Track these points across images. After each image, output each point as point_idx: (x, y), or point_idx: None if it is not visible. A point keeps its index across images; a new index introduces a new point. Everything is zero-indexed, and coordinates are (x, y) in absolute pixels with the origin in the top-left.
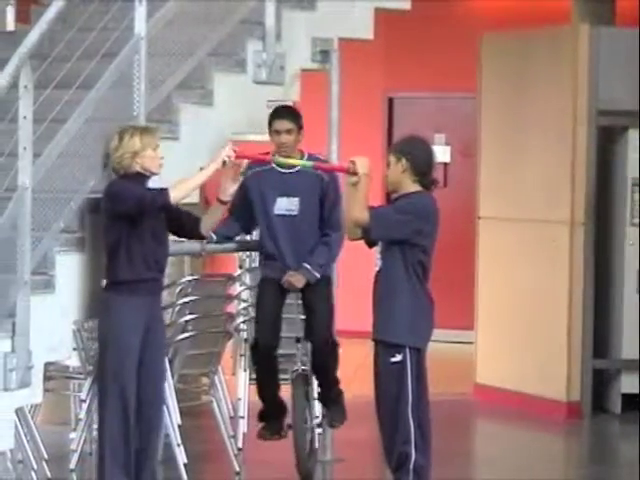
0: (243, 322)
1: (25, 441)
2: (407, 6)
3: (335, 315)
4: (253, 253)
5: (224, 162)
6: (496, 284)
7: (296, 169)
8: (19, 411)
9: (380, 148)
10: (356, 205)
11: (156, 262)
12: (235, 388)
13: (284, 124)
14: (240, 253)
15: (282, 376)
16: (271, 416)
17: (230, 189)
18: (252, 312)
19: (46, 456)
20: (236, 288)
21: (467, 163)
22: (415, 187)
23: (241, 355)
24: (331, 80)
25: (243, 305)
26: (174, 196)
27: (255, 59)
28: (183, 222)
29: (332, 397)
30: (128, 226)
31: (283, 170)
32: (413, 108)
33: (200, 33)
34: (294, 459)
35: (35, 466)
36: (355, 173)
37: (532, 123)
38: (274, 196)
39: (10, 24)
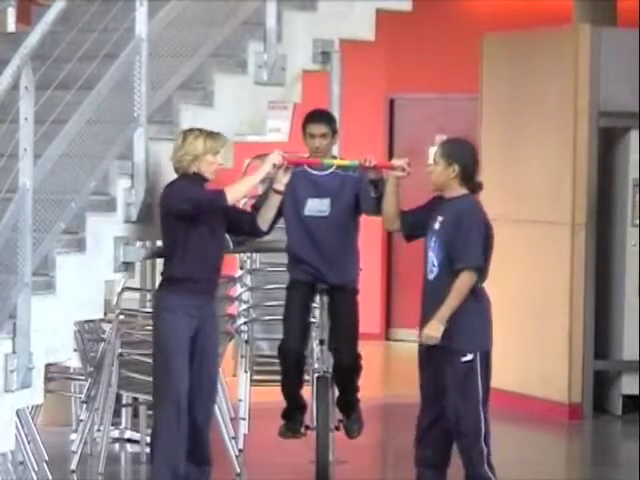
0: (244, 323)
1: (26, 442)
2: (408, 7)
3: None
4: (254, 254)
5: (274, 165)
6: (497, 285)
7: (330, 170)
8: (20, 412)
9: (381, 149)
10: (461, 294)
11: (211, 262)
12: (236, 389)
13: (319, 128)
14: (241, 254)
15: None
16: (293, 415)
17: (284, 179)
18: (253, 313)
19: (47, 457)
20: (237, 289)
21: None
22: (462, 190)
23: (242, 356)
24: (332, 81)
25: (244, 306)
26: (230, 198)
27: (256, 60)
28: (241, 221)
29: (351, 404)
30: (186, 226)
31: (315, 171)
32: (414, 109)
33: (201, 34)
34: (315, 461)
35: (36, 467)
36: (403, 169)
37: (533, 124)
38: (305, 197)
39: (11, 25)
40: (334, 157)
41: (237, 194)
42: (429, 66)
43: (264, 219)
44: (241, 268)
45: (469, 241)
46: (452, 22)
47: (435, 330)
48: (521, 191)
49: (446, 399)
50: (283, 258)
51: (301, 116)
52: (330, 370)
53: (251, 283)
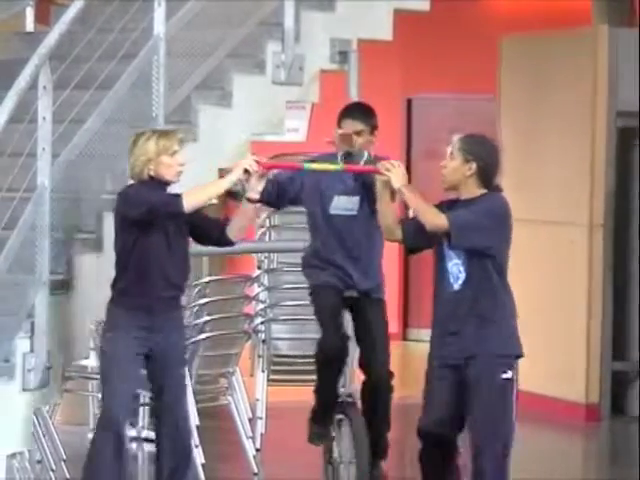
0: (261, 323)
1: (43, 441)
2: (426, 7)
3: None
4: (272, 254)
5: (246, 171)
6: (515, 286)
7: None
8: (37, 411)
9: (399, 149)
10: (428, 209)
11: (166, 275)
12: (253, 389)
13: (354, 125)
14: (259, 254)
15: (304, 377)
16: (324, 417)
17: (258, 186)
18: (270, 313)
19: (64, 456)
20: (254, 289)
21: None
22: (481, 191)
23: (259, 356)
24: (350, 81)
25: (261, 306)
26: (188, 203)
27: (274, 60)
28: (208, 229)
29: (380, 444)
30: (139, 233)
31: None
32: (432, 109)
33: (219, 34)
34: None
35: (54, 466)
36: (388, 170)
37: (551, 124)
38: (332, 194)
39: (29, 25)
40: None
41: (196, 200)
42: (446, 66)
43: (235, 229)
44: (259, 268)
45: (468, 215)
46: (470, 22)
47: (402, 178)
48: (539, 192)
49: (470, 424)
50: (300, 258)
51: (319, 116)
52: (352, 395)
53: (268, 283)
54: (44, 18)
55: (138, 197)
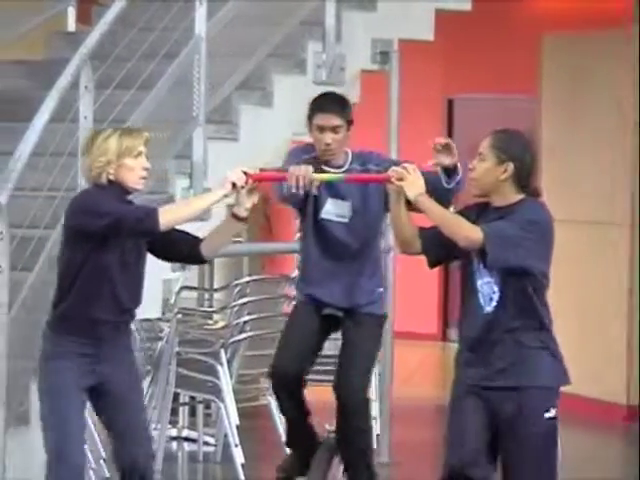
0: None
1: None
2: (467, 7)
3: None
4: None
5: (234, 186)
6: (554, 286)
7: (348, 165)
8: None
9: None
10: (457, 221)
11: (121, 301)
12: None
13: (330, 119)
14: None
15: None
16: (296, 461)
17: (247, 203)
18: None
19: (104, 455)
20: (294, 289)
21: None
22: (518, 196)
23: None
24: (391, 81)
25: None
26: (165, 221)
27: (315, 60)
28: (175, 244)
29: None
30: (91, 249)
31: (332, 168)
32: (473, 109)
33: (260, 34)
34: None
35: (94, 465)
36: (401, 179)
37: (592, 123)
38: (325, 196)
39: (71, 25)
40: (324, 170)
41: (175, 218)
42: (488, 66)
43: (213, 246)
44: (298, 268)
45: (508, 228)
46: (511, 22)
47: (419, 185)
48: (579, 192)
49: (505, 472)
50: None
51: (358, 117)
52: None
53: None
54: (86, 18)
55: (101, 206)
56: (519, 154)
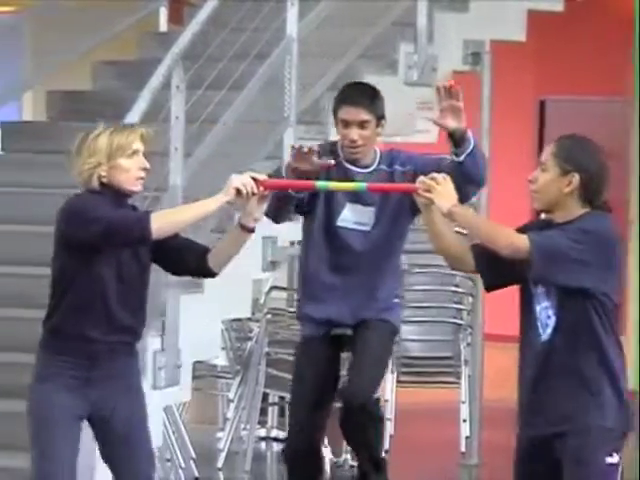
0: None
1: (173, 439)
2: (560, 7)
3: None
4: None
5: (238, 191)
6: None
7: (376, 165)
8: (167, 409)
9: (531, 152)
10: (496, 228)
11: (116, 318)
12: (382, 390)
13: (358, 113)
14: None
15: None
16: None
17: (256, 213)
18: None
19: (194, 455)
20: None
21: (618, 167)
22: (583, 211)
23: None
24: (482, 82)
25: None
26: (158, 229)
27: (407, 61)
28: (183, 255)
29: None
30: (83, 259)
31: (355, 167)
32: (565, 111)
33: (351, 34)
34: None
35: (183, 465)
36: (428, 191)
37: None
38: (343, 200)
39: (163, 25)
40: (347, 171)
41: (169, 225)
42: (580, 67)
43: (220, 259)
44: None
45: (558, 237)
46: (604, 22)
47: (450, 196)
48: None
49: None
50: (432, 259)
51: None
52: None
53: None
54: (177, 18)
55: (89, 213)
56: (585, 164)
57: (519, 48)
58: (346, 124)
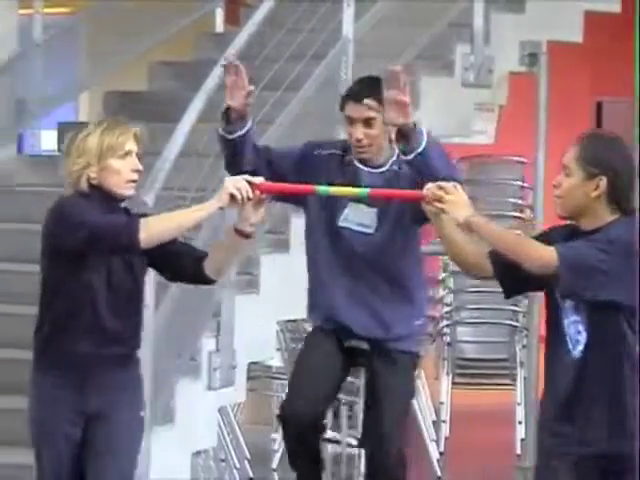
0: (446, 326)
1: (228, 440)
2: (617, 8)
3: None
4: None
5: (232, 197)
6: None
7: (388, 165)
8: (222, 410)
9: None
10: (521, 240)
11: (106, 328)
12: (438, 392)
13: (363, 110)
14: (445, 256)
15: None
16: None
17: (253, 218)
18: (456, 316)
19: (248, 455)
20: (440, 292)
21: None
22: (613, 216)
23: (444, 359)
24: (539, 83)
25: (447, 309)
26: (148, 236)
27: (463, 62)
28: (182, 262)
29: None
30: (71, 266)
31: (370, 168)
32: (622, 113)
33: (407, 35)
34: None
35: (237, 465)
36: (439, 200)
37: None
38: (345, 201)
39: (219, 26)
40: (357, 169)
41: (159, 232)
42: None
43: (217, 266)
44: (444, 270)
45: (585, 248)
46: None
47: (464, 205)
48: None
49: None
50: None
51: (506, 119)
52: None
53: (454, 285)
54: (233, 19)
55: (75, 216)
56: (614, 165)
57: (576, 49)
58: (351, 121)
